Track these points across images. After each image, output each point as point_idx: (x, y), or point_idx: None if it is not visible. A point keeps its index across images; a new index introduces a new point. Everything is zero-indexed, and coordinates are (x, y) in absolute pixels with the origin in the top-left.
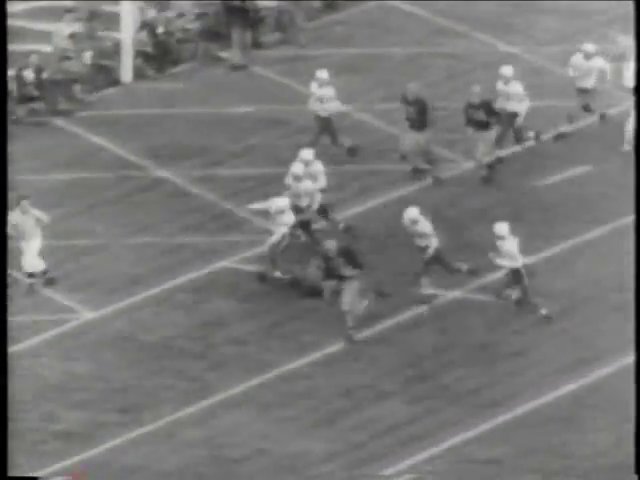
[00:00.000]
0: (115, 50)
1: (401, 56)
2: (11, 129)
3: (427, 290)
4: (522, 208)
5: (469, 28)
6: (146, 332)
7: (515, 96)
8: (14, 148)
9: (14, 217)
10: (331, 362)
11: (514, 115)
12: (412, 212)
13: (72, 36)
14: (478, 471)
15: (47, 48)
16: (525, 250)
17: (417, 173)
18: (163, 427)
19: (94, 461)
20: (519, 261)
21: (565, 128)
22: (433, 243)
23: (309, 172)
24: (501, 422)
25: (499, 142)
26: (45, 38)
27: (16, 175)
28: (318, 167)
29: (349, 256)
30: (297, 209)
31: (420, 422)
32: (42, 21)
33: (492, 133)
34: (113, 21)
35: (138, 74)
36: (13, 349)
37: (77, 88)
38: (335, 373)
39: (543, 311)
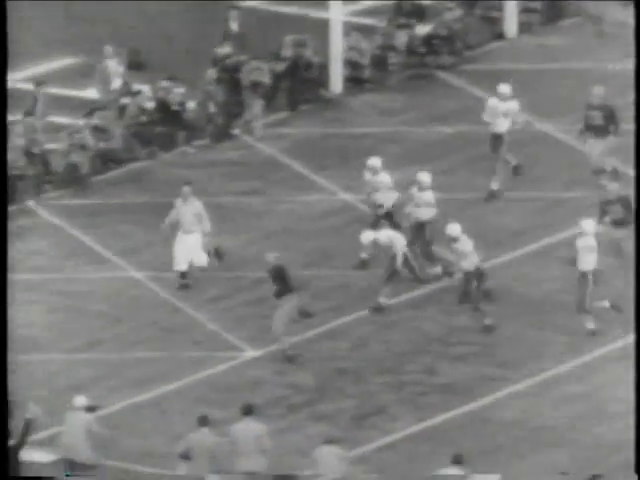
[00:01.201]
0: (499, 5)
1: None
2: (394, 83)
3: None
4: None
5: None
6: (528, 286)
7: None
8: (396, 102)
9: (177, 205)
10: None
11: None
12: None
13: None
14: None
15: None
16: None
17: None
18: (543, 382)
19: (474, 414)
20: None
21: None
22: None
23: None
24: None
25: None
26: None
27: (397, 127)
28: (385, 178)
29: (279, 276)
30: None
31: None
32: None
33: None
34: None
35: (523, 28)
36: (395, 301)
37: (460, 42)
38: None
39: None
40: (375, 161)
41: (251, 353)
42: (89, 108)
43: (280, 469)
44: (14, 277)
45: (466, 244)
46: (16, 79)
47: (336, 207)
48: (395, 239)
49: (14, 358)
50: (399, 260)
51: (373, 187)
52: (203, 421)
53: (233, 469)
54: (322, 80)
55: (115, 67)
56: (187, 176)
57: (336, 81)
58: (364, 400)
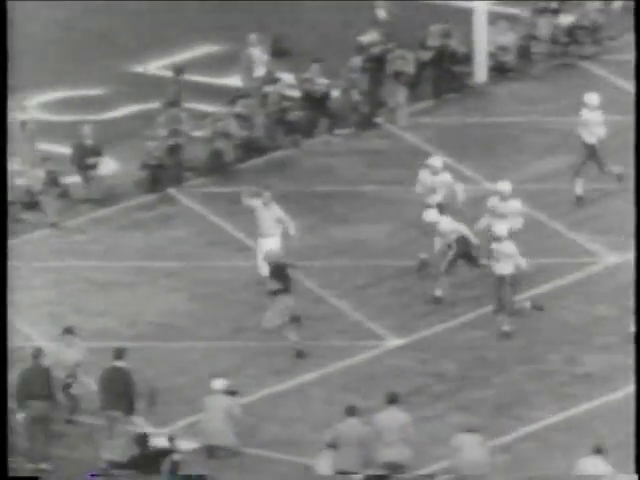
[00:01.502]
0: None
1: None
2: (538, 73)
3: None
4: None
5: None
6: None
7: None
8: (540, 91)
9: (252, 203)
10: None
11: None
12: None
13: None
14: None
15: None
16: None
17: None
18: None
19: (611, 405)
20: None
21: None
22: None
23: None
24: None
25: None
26: None
27: (540, 117)
28: (446, 177)
29: (276, 274)
30: (428, 206)
31: None
32: None
33: None
34: None
35: None
36: (539, 290)
37: (602, 32)
38: None
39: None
40: (436, 161)
41: (394, 342)
42: (232, 96)
43: (422, 458)
44: (155, 265)
45: (509, 247)
46: (158, 67)
47: (479, 196)
48: (460, 229)
49: (155, 346)
50: (471, 238)
51: (431, 187)
52: (351, 411)
53: (376, 459)
54: (467, 69)
55: (259, 55)
56: (330, 164)
57: (480, 70)
58: (506, 389)
